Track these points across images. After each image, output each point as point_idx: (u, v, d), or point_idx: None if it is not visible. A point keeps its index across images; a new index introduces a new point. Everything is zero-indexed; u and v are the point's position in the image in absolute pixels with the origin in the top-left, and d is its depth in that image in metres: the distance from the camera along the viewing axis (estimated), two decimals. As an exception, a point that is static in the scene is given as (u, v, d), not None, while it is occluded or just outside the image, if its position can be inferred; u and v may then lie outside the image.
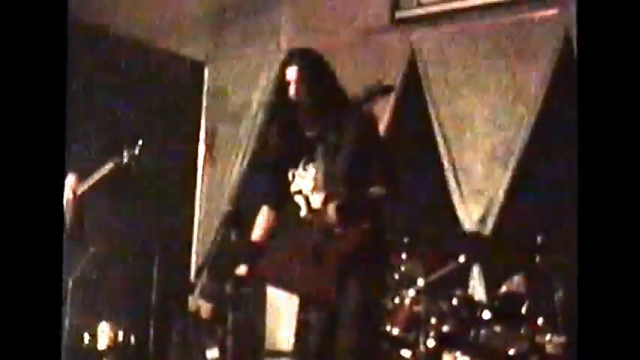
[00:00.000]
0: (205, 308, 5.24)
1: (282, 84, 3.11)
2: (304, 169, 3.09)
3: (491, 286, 4.49)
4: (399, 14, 5.54)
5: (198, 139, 6.22)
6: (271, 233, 3.22)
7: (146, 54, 5.78)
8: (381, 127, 5.03)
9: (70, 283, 4.47)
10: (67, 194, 4.41)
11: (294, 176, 3.12)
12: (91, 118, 5.10)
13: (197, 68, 6.30)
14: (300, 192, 3.06)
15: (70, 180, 4.44)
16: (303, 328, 3.10)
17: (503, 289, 4.27)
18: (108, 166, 4.47)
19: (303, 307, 3.12)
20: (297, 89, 3.06)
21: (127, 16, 5.59)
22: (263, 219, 3.22)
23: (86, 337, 4.89)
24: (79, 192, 4.43)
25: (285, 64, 3.12)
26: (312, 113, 3.06)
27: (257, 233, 3.20)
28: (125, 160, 4.52)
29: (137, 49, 5.72)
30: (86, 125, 4.93)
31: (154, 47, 5.85)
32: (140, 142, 4.56)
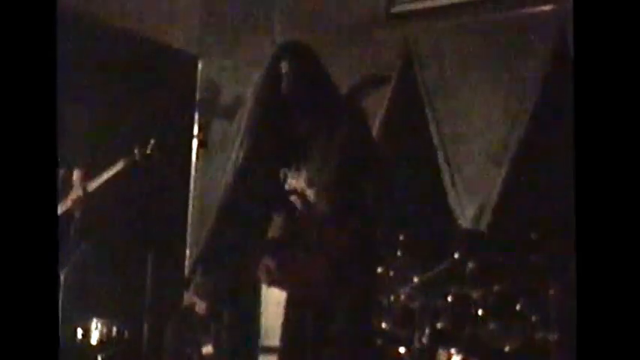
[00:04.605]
0: (200, 304, 5.23)
1: (272, 78, 3.04)
2: (297, 169, 3.06)
3: (485, 283, 4.49)
4: (394, 9, 5.52)
5: (191, 134, 6.18)
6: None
7: (138, 47, 5.72)
8: (376, 123, 5.05)
9: (63, 278, 4.44)
10: (77, 191, 4.41)
11: (285, 176, 3.08)
12: (80, 112, 5.05)
13: (190, 62, 6.25)
14: (294, 191, 3.04)
15: (77, 175, 4.45)
16: (295, 325, 3.07)
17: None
18: (119, 164, 4.45)
19: (295, 305, 3.09)
20: (289, 84, 3.00)
21: (118, 8, 5.53)
22: (277, 228, 3.09)
23: (79, 332, 4.86)
24: (89, 189, 4.43)
25: (276, 58, 3.06)
26: (304, 109, 3.03)
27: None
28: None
29: (128, 42, 5.65)
30: (75, 119, 4.87)
31: (146, 40, 5.79)
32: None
